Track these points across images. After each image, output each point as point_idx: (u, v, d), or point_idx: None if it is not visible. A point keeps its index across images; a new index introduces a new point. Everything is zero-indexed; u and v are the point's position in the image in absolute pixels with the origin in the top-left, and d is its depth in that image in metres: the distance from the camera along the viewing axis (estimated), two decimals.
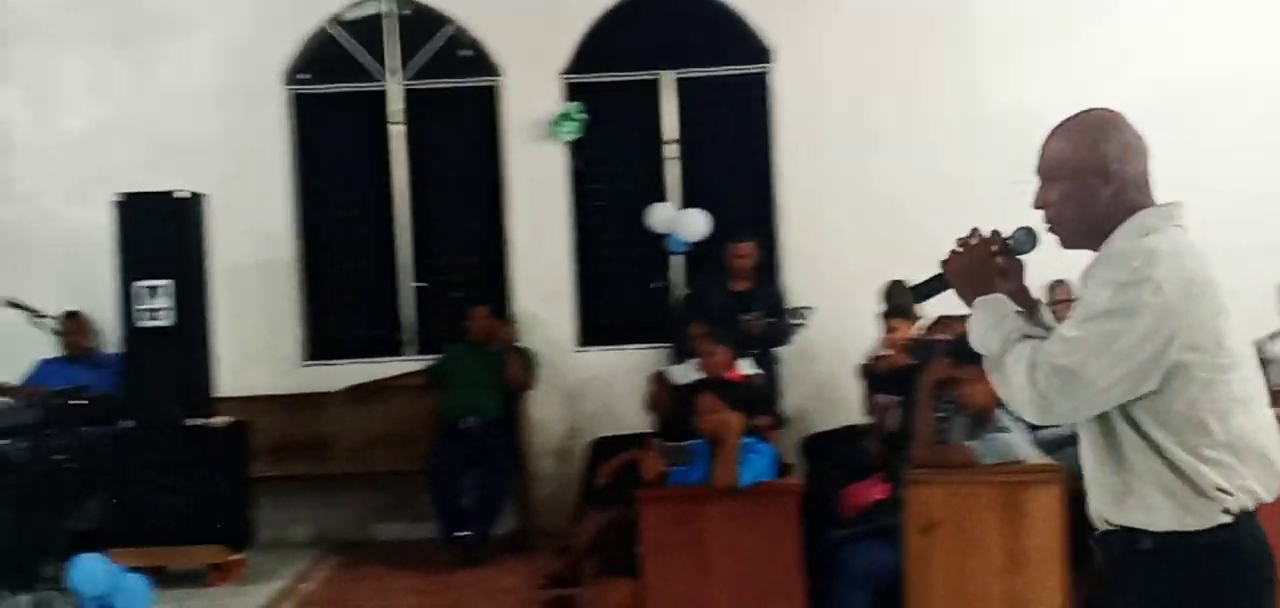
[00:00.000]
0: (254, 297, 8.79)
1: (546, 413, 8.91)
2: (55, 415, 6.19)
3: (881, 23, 8.85)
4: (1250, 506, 2.68)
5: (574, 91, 8.90)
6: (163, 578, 7.24)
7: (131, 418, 7.59)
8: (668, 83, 8.99)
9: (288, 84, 8.91)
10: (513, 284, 8.99)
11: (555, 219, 8.97)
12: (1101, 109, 2.88)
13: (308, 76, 8.95)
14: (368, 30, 8.94)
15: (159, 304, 7.62)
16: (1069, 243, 2.86)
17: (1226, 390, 2.66)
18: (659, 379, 7.77)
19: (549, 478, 8.90)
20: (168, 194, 7.69)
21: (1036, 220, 2.89)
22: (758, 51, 8.95)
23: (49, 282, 8.24)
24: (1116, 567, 2.78)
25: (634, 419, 8.13)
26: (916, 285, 3.06)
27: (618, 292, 9.12)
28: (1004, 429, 5.49)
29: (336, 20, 8.93)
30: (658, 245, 8.88)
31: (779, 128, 8.96)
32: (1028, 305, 2.93)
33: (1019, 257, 2.93)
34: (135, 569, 6.80)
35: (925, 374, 5.68)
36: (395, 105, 8.96)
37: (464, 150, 9.13)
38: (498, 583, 7.62)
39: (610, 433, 8.31)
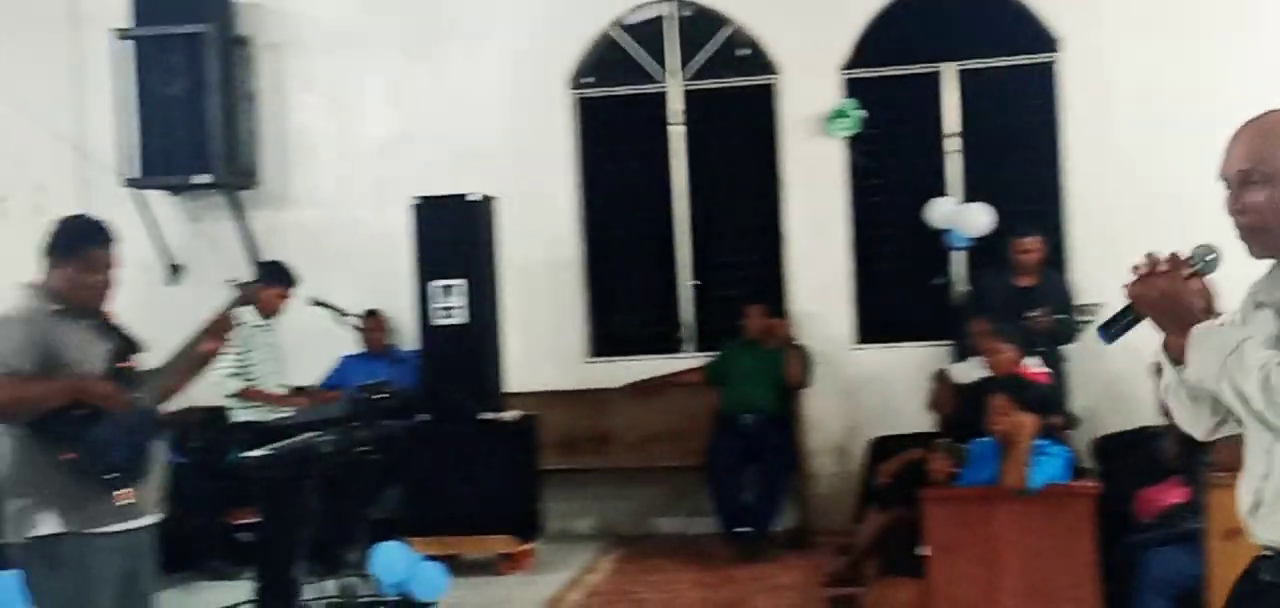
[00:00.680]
0: (541, 295, 9.05)
1: (824, 411, 8.88)
2: (360, 410, 6.48)
3: (1175, 5, 8.50)
4: None
5: (853, 87, 8.85)
6: (456, 566, 7.51)
7: (428, 412, 7.91)
8: (949, 75, 8.84)
9: (572, 88, 9.14)
10: (789, 281, 9.00)
11: (833, 215, 8.94)
12: None
13: (591, 80, 9.16)
14: (649, 32, 9.09)
15: (453, 302, 7.94)
16: (1264, 252, 2.65)
17: None
18: (941, 378, 7.66)
19: (826, 476, 8.88)
20: (461, 197, 8.00)
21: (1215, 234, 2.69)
22: (1044, 41, 8.72)
23: (351, 281, 8.62)
24: None
25: (913, 418, 8.03)
26: (1106, 326, 2.82)
27: (896, 288, 9.02)
28: None
29: (619, 24, 9.11)
30: (938, 241, 8.75)
31: (1066, 118, 8.71)
32: None
33: (1206, 274, 2.70)
34: (431, 557, 7.09)
35: None
36: (675, 106, 9.09)
37: (742, 149, 9.19)
38: (778, 580, 7.64)
39: (889, 432, 8.23)
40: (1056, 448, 5.83)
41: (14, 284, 4.45)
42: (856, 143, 8.89)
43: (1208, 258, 2.69)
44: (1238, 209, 2.64)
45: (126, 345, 4.44)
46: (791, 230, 8.99)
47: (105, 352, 4.35)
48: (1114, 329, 2.79)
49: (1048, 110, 8.74)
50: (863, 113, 8.77)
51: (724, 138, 9.20)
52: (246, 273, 7.48)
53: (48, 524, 4.21)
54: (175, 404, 6.87)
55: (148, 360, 4.52)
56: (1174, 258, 2.67)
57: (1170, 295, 2.63)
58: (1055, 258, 8.48)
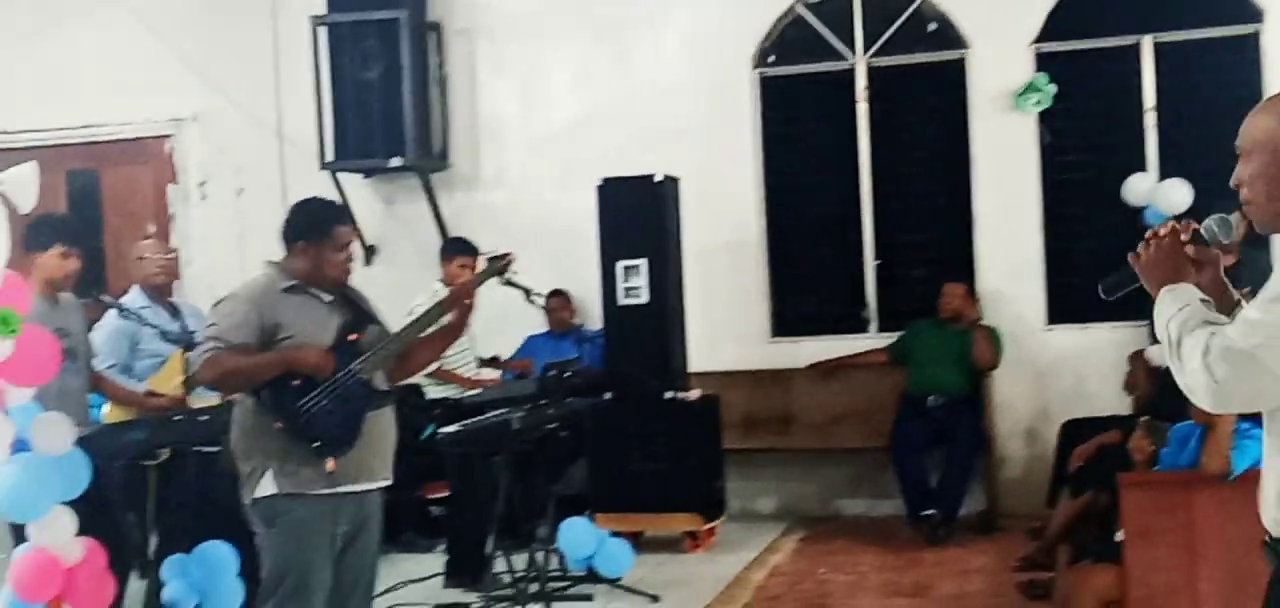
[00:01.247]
0: (724, 275, 9.06)
1: (1013, 393, 8.71)
2: (549, 388, 6.58)
3: None
4: None
5: (1044, 61, 8.65)
6: (640, 543, 7.60)
7: (612, 391, 8.00)
8: (1146, 48, 8.58)
9: (756, 67, 9.11)
10: (978, 260, 8.84)
11: (1023, 193, 8.75)
12: None
13: (776, 59, 9.13)
14: (834, 9, 9.00)
15: (637, 283, 8.00)
16: (1261, 225, 2.67)
17: None
18: (1138, 359, 7.45)
19: (1015, 459, 8.71)
20: (646, 178, 8.05)
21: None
22: (1247, 11, 8.40)
23: (537, 262, 8.72)
24: None
25: (1107, 401, 7.84)
26: (1105, 282, 2.93)
27: (1090, 267, 8.77)
28: None
29: (804, 1, 9.05)
30: (1134, 218, 8.48)
31: (1269, 91, 8.36)
32: (1220, 296, 2.74)
33: (1214, 246, 2.76)
34: (616, 534, 7.17)
35: None
36: (861, 83, 9.00)
37: (929, 125, 9.06)
38: (965, 563, 7.52)
39: (1082, 415, 8.04)
40: (1260, 431, 5.61)
41: (260, 261, 4.71)
42: (1049, 118, 8.68)
43: (1215, 228, 2.75)
44: (1235, 181, 2.71)
45: (359, 319, 4.61)
46: (981, 208, 8.83)
47: (336, 325, 4.54)
48: (1111, 286, 2.93)
49: (1250, 83, 8.41)
50: (1054, 87, 8.57)
51: (911, 114, 9.08)
52: (492, 248, 7.63)
53: (266, 486, 4.44)
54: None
55: (378, 334, 4.68)
56: (1176, 224, 2.78)
57: (1160, 256, 2.73)
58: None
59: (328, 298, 4.61)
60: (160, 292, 6.49)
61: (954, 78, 8.84)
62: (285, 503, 4.44)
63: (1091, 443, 6.96)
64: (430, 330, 4.82)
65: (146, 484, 5.80)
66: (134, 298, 6.44)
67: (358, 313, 4.66)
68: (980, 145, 8.79)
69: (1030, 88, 8.58)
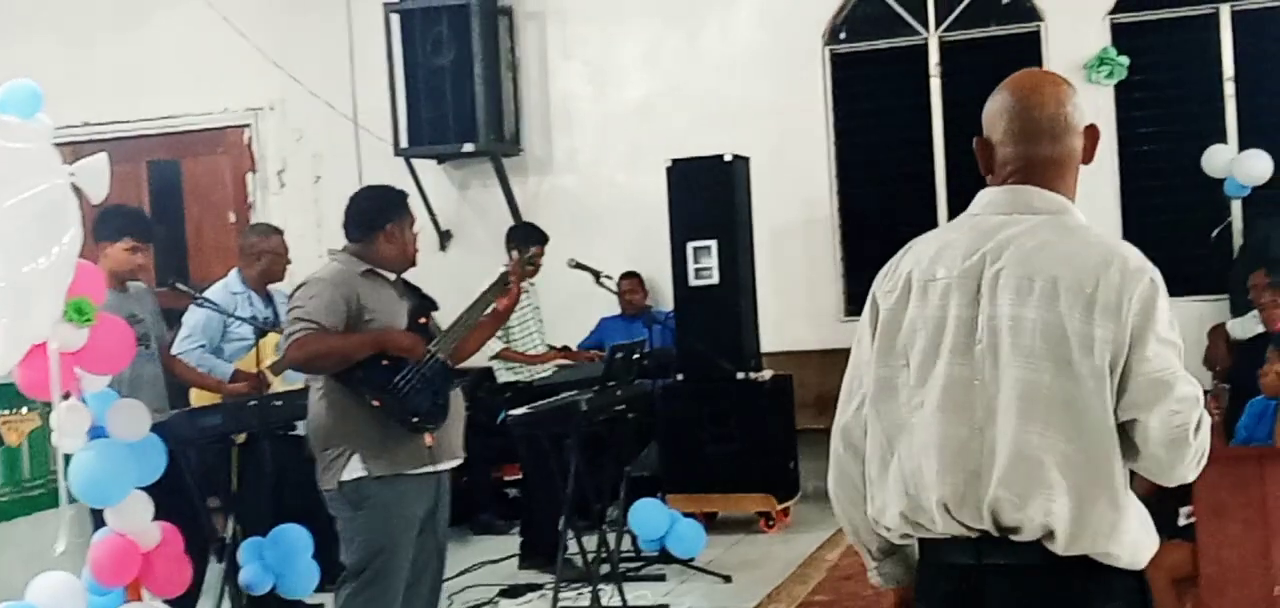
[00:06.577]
0: (795, 254, 9.03)
1: None
2: (616, 369, 6.61)
3: None
4: None
5: (1120, 32, 8.52)
6: (713, 525, 7.60)
7: (684, 372, 8.00)
8: (1224, 16, 8.41)
9: (827, 44, 9.06)
10: None
11: (1100, 167, 8.53)
12: (1028, 70, 2.52)
13: (847, 35, 9.06)
14: None
15: (708, 263, 8.00)
16: None
17: None
18: (1218, 333, 7.33)
19: None
20: (717, 158, 8.03)
21: None
22: None
23: (610, 244, 8.79)
24: None
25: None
26: None
27: (1170, 240, 8.60)
28: None
29: None
30: (1214, 190, 8.34)
31: None
32: None
33: None
34: (689, 515, 7.18)
35: None
36: (934, 58, 8.91)
37: None
38: None
39: None
40: None
41: (326, 251, 4.83)
42: (1125, 90, 8.55)
43: None
44: None
45: (423, 304, 4.74)
46: None
47: (406, 309, 4.68)
48: None
49: None
50: (1125, 59, 8.44)
51: (984, 89, 8.87)
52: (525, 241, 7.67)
53: (354, 470, 4.53)
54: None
55: (440, 320, 4.83)
56: None
57: None
58: None
59: (395, 284, 4.72)
60: (261, 280, 6.52)
61: (1028, 51, 8.70)
62: (374, 486, 4.53)
63: None
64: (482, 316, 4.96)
65: (224, 469, 5.90)
66: (231, 281, 6.47)
67: (420, 297, 4.77)
68: None
69: (1102, 60, 8.45)
